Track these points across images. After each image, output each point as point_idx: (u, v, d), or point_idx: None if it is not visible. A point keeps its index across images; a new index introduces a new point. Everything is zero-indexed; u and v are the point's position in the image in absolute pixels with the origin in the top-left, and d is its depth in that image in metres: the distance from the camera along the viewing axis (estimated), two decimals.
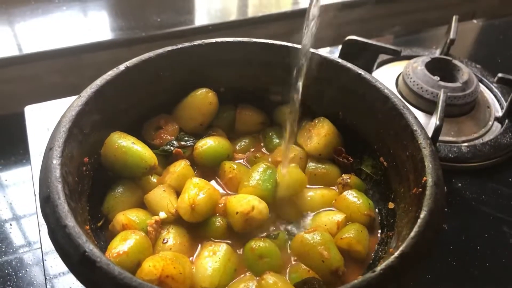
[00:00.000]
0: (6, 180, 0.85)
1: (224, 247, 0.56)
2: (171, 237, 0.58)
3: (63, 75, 1.06)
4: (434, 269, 0.71)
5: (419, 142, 0.56)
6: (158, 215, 0.60)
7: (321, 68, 0.67)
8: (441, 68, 0.97)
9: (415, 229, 0.47)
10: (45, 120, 0.85)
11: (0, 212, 0.80)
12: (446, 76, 0.96)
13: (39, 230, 0.69)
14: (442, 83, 0.92)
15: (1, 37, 1.04)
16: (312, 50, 0.67)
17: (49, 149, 0.53)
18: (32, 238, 0.76)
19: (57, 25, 1.10)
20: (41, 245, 0.68)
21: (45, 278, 0.64)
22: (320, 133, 0.68)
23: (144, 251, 0.55)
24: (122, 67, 0.63)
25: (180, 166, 0.64)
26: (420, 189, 0.52)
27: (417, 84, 0.93)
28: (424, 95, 0.92)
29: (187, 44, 0.67)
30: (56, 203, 0.48)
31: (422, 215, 0.48)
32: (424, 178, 0.52)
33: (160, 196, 0.61)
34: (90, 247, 0.44)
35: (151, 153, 0.62)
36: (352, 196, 0.63)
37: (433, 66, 0.96)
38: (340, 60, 0.66)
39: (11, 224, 0.78)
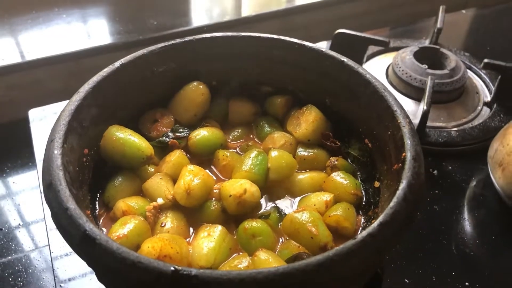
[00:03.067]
0: (14, 182, 0.89)
1: (219, 228, 0.59)
2: (169, 221, 0.61)
3: (64, 80, 1.10)
4: (426, 248, 0.74)
5: (399, 121, 0.59)
6: (156, 201, 0.63)
7: (307, 58, 0.71)
8: (429, 57, 1.00)
9: (394, 199, 0.50)
10: (48, 123, 0.89)
11: (8, 213, 0.84)
12: (434, 64, 0.99)
13: (47, 231, 0.72)
14: (430, 70, 0.95)
15: (4, 45, 1.09)
16: (298, 41, 0.71)
17: (50, 141, 0.57)
18: (40, 237, 0.80)
19: (58, 32, 1.14)
20: (49, 244, 0.71)
21: (54, 277, 0.68)
22: (308, 120, 0.71)
23: (143, 234, 0.58)
24: (117, 64, 0.67)
25: (176, 155, 0.67)
26: (400, 164, 0.55)
27: (406, 73, 0.96)
28: (413, 83, 0.95)
29: (178, 40, 0.70)
30: (58, 189, 0.51)
31: (400, 187, 0.51)
32: (403, 154, 0.55)
33: (158, 183, 0.64)
34: (90, 226, 0.48)
35: (147, 144, 0.65)
36: (339, 177, 0.66)
37: (422, 55, 0.99)
38: (324, 49, 0.69)
39: (19, 225, 0.81)
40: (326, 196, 0.64)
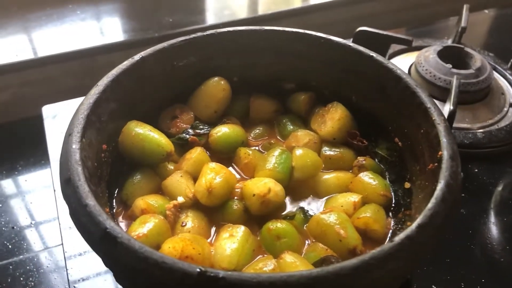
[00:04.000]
0: (26, 181, 0.87)
1: (242, 229, 0.57)
2: (190, 220, 0.59)
3: (78, 77, 1.08)
4: (453, 253, 0.71)
5: (433, 118, 0.56)
6: (176, 200, 0.60)
7: (333, 53, 0.68)
8: (453, 56, 0.97)
9: (432, 200, 0.47)
10: (62, 120, 0.87)
11: (20, 211, 0.81)
12: (458, 64, 0.95)
13: (60, 230, 0.70)
14: (454, 70, 0.92)
15: (18, 42, 1.07)
16: (324, 35, 0.68)
17: (68, 135, 0.54)
18: (52, 236, 0.77)
19: (72, 29, 1.12)
20: (62, 243, 0.69)
21: (67, 276, 0.65)
22: (333, 117, 0.68)
23: (163, 234, 0.56)
24: (137, 57, 0.64)
25: (196, 153, 0.65)
26: (436, 164, 0.53)
27: (430, 72, 0.93)
28: (437, 83, 0.92)
29: (200, 34, 0.68)
30: (77, 184, 0.49)
31: (438, 187, 0.48)
32: (440, 153, 0.52)
33: (178, 181, 0.62)
34: (111, 224, 0.45)
35: (167, 140, 0.63)
36: (368, 178, 0.63)
37: (445, 54, 0.96)
38: (351, 44, 0.67)
39: (31, 224, 0.79)
40: (354, 197, 0.61)
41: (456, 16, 1.08)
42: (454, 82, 0.86)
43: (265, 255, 0.57)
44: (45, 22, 1.14)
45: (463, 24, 1.02)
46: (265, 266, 0.53)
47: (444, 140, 0.53)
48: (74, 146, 0.53)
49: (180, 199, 0.60)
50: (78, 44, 1.07)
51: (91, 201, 0.48)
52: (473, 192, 0.80)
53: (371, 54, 0.65)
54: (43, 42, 1.07)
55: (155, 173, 0.64)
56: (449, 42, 1.06)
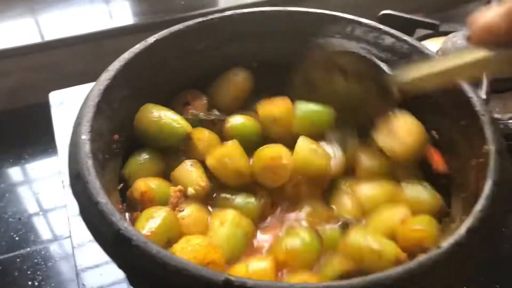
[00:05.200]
0: (32, 169, 0.84)
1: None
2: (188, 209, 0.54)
3: (86, 62, 1.03)
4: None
5: (476, 109, 0.51)
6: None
7: (366, 37, 0.63)
8: None
9: (481, 201, 0.42)
10: (69, 106, 0.83)
11: (27, 201, 0.78)
12: None
13: (68, 219, 0.66)
14: None
15: (24, 25, 1.02)
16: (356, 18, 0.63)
17: (77, 124, 0.50)
18: (61, 227, 0.74)
19: (80, 12, 1.07)
20: (70, 234, 0.65)
21: (76, 268, 0.61)
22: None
23: (172, 228, 0.51)
24: (151, 39, 0.59)
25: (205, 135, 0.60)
26: (481, 159, 0.48)
27: None
28: None
29: (217, 15, 0.63)
30: (87, 180, 0.44)
31: (487, 186, 0.43)
32: (485, 147, 0.47)
33: (188, 171, 0.57)
34: (125, 225, 0.41)
35: (186, 122, 0.59)
36: (415, 189, 0.55)
37: None
38: (386, 28, 0.61)
39: (39, 214, 0.76)
40: (400, 211, 0.53)
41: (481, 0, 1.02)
42: None
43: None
44: (52, 5, 1.09)
45: None
46: None
47: (489, 133, 0.48)
48: (83, 137, 0.48)
49: (191, 191, 0.55)
50: (86, 28, 1.02)
51: (102, 198, 0.43)
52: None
53: (405, 38, 0.60)
54: (50, 25, 1.03)
55: (163, 158, 0.59)
56: None
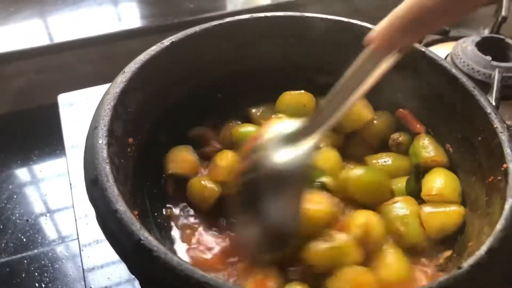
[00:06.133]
0: (40, 171, 0.83)
1: None
2: None
3: (95, 64, 1.03)
4: None
5: (495, 126, 0.51)
6: None
7: None
8: (492, 48, 0.91)
9: (502, 221, 0.42)
10: (78, 108, 0.82)
11: (35, 203, 0.77)
12: (498, 56, 0.89)
13: (76, 220, 0.66)
14: (495, 63, 0.86)
15: (33, 27, 1.01)
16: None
17: (93, 128, 0.49)
18: (68, 229, 0.73)
19: (88, 14, 1.06)
20: (77, 236, 0.65)
21: (83, 269, 0.61)
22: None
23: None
24: (166, 42, 0.59)
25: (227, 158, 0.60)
26: (499, 178, 0.48)
27: (468, 65, 0.87)
28: (476, 76, 0.86)
29: (235, 18, 0.62)
30: (105, 186, 0.44)
31: (508, 206, 0.43)
32: (505, 165, 0.47)
33: None
34: (145, 235, 0.41)
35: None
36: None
37: (484, 46, 0.90)
38: None
39: (46, 216, 0.75)
40: None
41: (491, 5, 1.02)
42: (496, 76, 0.81)
43: None
44: (61, 7, 1.08)
45: (503, 13, 0.96)
46: None
47: (508, 151, 0.48)
48: (100, 141, 0.48)
49: None
50: (95, 30, 1.02)
51: (121, 206, 0.43)
52: None
53: (421, 49, 0.59)
54: (59, 27, 1.02)
55: None
56: (486, 32, 1.00)
